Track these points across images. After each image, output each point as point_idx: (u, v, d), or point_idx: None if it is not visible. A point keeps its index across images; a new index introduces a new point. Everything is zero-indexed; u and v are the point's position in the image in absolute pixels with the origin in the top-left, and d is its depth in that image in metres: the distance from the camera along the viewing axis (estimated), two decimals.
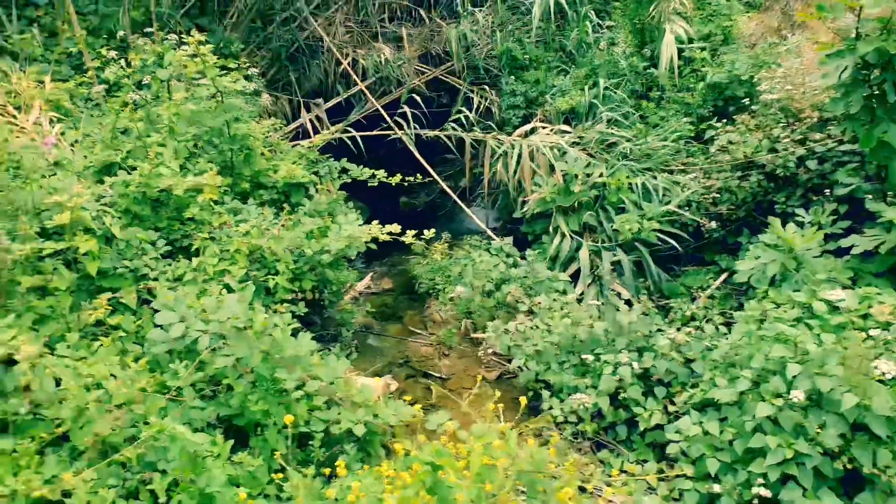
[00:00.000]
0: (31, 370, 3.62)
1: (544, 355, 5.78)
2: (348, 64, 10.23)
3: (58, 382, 3.71)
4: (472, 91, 10.21)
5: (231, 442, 3.76)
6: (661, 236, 7.03)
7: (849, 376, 3.97)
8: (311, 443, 4.13)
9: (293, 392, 4.15)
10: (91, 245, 4.54)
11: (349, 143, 9.14)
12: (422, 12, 11.00)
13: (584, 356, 5.51)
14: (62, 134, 6.00)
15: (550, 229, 7.65)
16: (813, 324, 4.56)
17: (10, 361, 3.65)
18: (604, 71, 8.80)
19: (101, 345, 4.12)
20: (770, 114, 6.89)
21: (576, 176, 7.57)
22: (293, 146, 7.72)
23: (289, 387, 4.16)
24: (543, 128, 8.54)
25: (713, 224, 6.89)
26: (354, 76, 10.16)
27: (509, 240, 7.78)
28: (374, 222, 5.87)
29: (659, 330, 5.67)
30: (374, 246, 5.88)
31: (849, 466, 3.94)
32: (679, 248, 7.04)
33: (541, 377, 5.73)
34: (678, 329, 5.61)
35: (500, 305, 6.92)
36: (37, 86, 6.55)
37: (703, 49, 8.18)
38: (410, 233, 5.78)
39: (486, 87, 10.14)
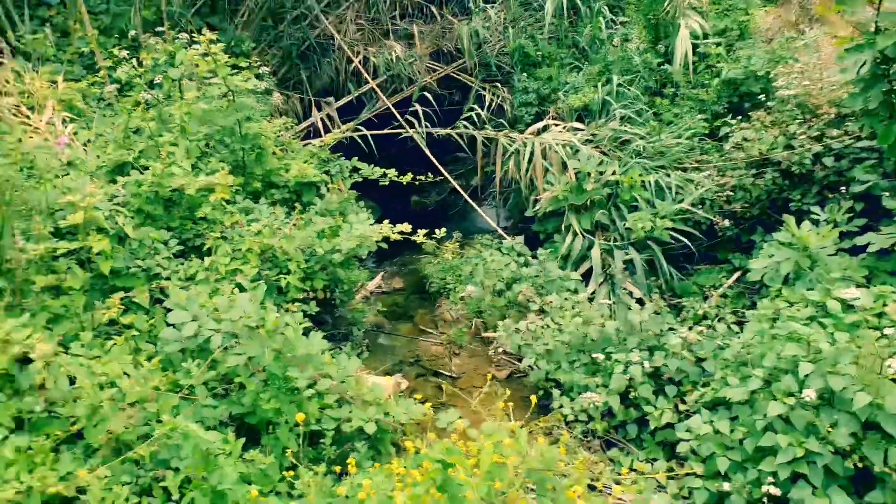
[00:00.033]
0: (45, 369, 3.67)
1: (555, 354, 5.77)
2: (359, 62, 10.24)
3: (72, 381, 3.76)
4: (484, 88, 10.20)
5: (243, 440, 3.79)
6: (674, 235, 6.99)
7: (862, 375, 3.95)
8: (322, 441, 4.15)
9: (305, 390, 4.17)
10: (104, 245, 4.57)
11: (360, 141, 9.16)
12: (433, 9, 10.99)
13: (594, 355, 5.50)
14: (75, 134, 6.05)
15: (562, 228, 7.63)
16: (826, 322, 4.52)
17: (26, 360, 3.70)
18: (617, 67, 8.75)
19: (115, 344, 4.16)
20: (786, 110, 6.82)
21: (588, 174, 7.54)
22: (304, 145, 7.75)
23: (300, 385, 4.18)
24: (556, 125, 8.51)
25: (727, 222, 6.84)
26: (365, 74, 10.16)
27: (521, 239, 7.76)
28: (385, 221, 5.88)
29: (671, 329, 5.65)
30: (385, 245, 5.88)
31: (860, 465, 3.92)
32: (692, 247, 7.00)
33: (551, 376, 5.72)
34: (690, 328, 5.58)
35: (510, 304, 6.92)
36: (49, 86, 6.59)
37: (718, 44, 8.11)
38: (421, 232, 5.78)
39: (498, 85, 10.12)
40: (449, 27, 10.81)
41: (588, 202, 7.56)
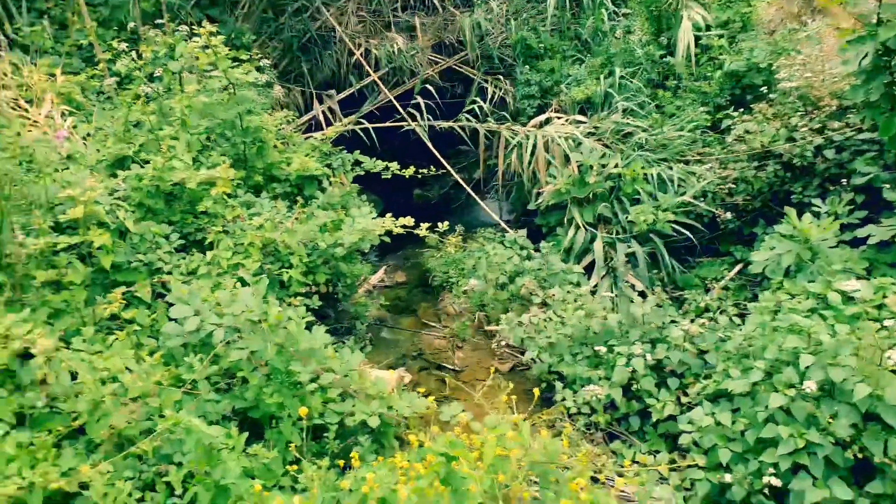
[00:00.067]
0: (47, 364, 3.67)
1: (557, 347, 5.77)
2: (361, 54, 10.21)
3: (74, 376, 3.76)
4: (487, 81, 10.16)
5: (246, 434, 3.79)
6: (676, 227, 6.98)
7: (862, 366, 3.96)
8: (325, 435, 4.16)
9: (308, 385, 4.17)
10: (105, 239, 4.57)
11: (362, 134, 9.12)
12: (435, 1, 10.92)
13: (597, 348, 5.51)
14: (74, 127, 6.03)
15: (565, 221, 7.61)
16: (827, 314, 4.54)
17: (27, 355, 3.70)
18: (619, 60, 8.72)
19: (117, 338, 4.16)
20: (788, 102, 6.80)
21: (591, 167, 7.52)
22: (306, 138, 7.73)
23: (303, 379, 4.18)
24: (558, 118, 8.48)
25: (728, 215, 6.83)
26: (367, 67, 10.13)
27: (523, 232, 7.75)
28: (388, 215, 5.87)
29: (673, 321, 5.65)
30: (387, 239, 5.87)
31: (860, 456, 3.93)
32: (694, 240, 6.99)
33: (554, 369, 5.72)
34: (692, 320, 5.59)
35: (513, 298, 6.91)
36: (48, 79, 6.55)
37: (720, 36, 8.07)
38: (424, 225, 5.78)
39: (501, 77, 10.09)
40: (451, 19, 10.76)
41: (590, 195, 7.54)
